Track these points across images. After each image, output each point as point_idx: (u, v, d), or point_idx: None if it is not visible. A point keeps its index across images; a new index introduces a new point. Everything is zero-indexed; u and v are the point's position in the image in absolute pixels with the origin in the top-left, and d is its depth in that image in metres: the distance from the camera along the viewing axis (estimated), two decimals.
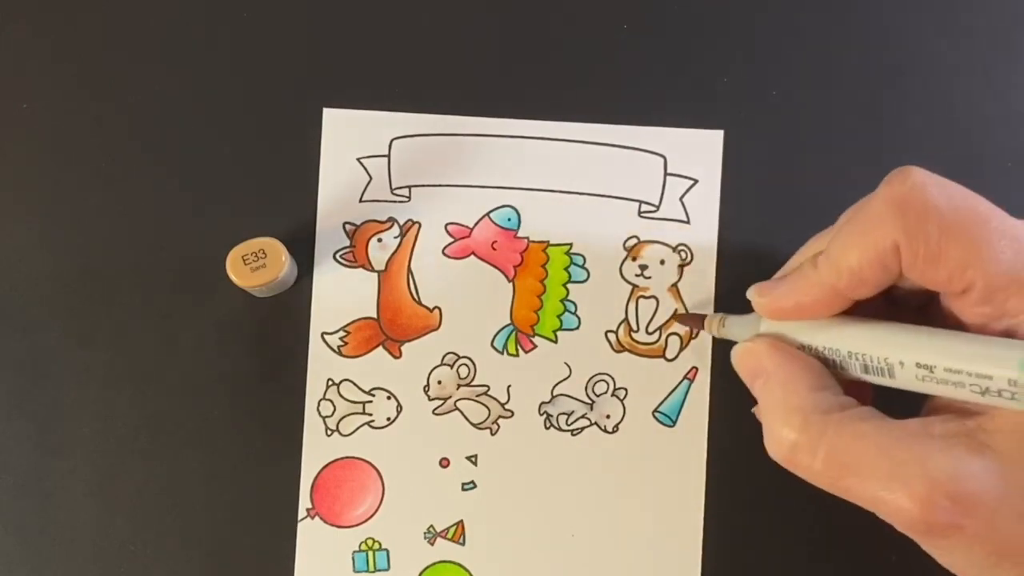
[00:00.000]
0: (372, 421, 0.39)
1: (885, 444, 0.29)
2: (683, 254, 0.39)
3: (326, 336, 0.39)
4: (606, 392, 0.39)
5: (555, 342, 0.39)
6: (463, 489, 0.39)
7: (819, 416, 0.30)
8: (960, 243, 0.28)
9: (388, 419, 0.39)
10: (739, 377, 0.34)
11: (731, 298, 0.39)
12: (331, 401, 0.39)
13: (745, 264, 0.39)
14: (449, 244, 0.39)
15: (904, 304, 0.33)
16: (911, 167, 0.29)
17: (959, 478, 0.28)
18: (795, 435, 0.30)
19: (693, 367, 0.39)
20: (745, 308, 0.35)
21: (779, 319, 0.33)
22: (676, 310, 0.39)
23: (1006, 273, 0.28)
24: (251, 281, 0.36)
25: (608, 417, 0.39)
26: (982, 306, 0.29)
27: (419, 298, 0.39)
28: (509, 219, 0.39)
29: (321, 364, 0.39)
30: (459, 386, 0.39)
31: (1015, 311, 0.28)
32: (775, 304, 0.33)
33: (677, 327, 0.39)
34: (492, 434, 0.39)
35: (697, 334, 0.39)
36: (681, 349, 0.39)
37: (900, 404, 0.31)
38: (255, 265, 0.36)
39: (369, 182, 0.39)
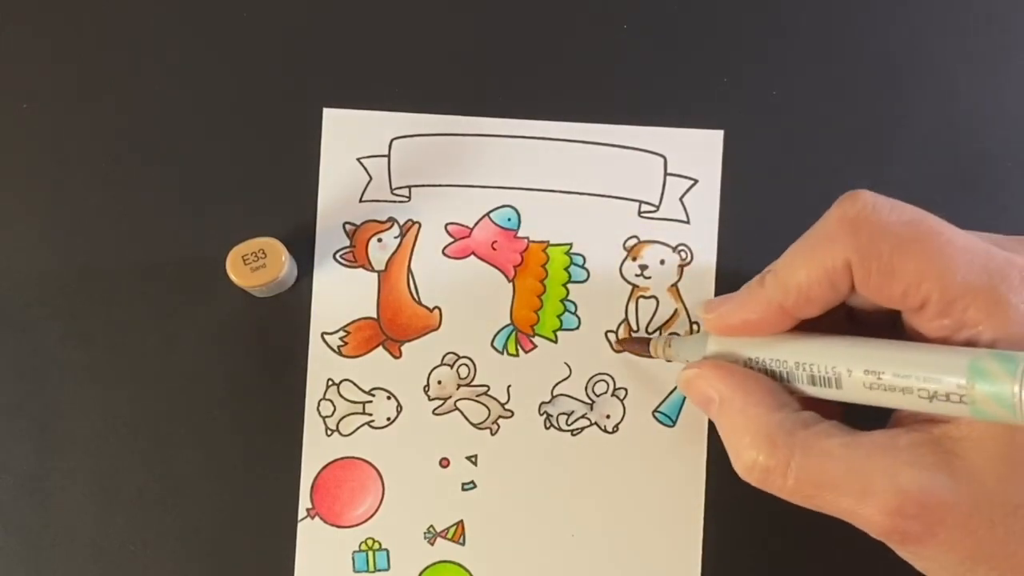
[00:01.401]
0: (372, 421, 0.39)
1: (853, 460, 0.29)
2: (683, 254, 0.39)
3: (326, 336, 0.39)
4: (606, 392, 0.39)
5: (555, 342, 0.39)
6: (463, 489, 0.39)
7: (784, 437, 0.30)
8: (913, 256, 0.28)
9: (388, 419, 0.39)
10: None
11: None
12: (331, 401, 0.39)
13: (745, 264, 0.39)
14: (449, 244, 0.39)
15: (866, 326, 0.33)
16: (860, 190, 0.30)
17: (928, 488, 0.28)
18: (764, 458, 0.30)
19: None
20: None
21: (726, 335, 0.33)
22: (628, 332, 0.39)
23: (961, 283, 0.28)
24: (251, 281, 0.36)
25: (608, 417, 0.39)
26: (941, 319, 0.29)
27: (419, 298, 0.39)
28: (509, 219, 0.39)
29: (321, 364, 0.39)
30: (459, 386, 0.39)
31: (974, 321, 0.28)
32: (721, 321, 0.33)
33: (676, 327, 0.39)
34: (492, 434, 0.39)
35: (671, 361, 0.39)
36: None
37: (862, 415, 0.31)
38: (255, 265, 0.36)
39: (369, 182, 0.39)
